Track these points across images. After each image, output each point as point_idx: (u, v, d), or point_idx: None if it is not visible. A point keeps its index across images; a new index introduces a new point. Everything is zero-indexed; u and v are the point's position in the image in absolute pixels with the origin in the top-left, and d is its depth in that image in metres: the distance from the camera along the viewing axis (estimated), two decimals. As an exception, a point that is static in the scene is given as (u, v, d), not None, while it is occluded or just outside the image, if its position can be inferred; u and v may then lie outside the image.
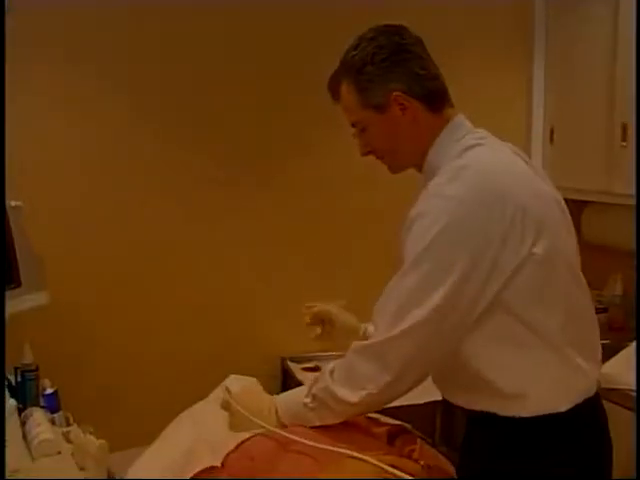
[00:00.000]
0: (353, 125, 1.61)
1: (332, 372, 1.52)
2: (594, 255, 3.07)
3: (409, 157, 1.61)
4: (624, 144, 2.74)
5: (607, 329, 3.00)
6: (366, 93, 1.54)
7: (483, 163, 1.48)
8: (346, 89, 1.57)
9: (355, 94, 1.55)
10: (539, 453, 1.46)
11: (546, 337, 1.44)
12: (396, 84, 1.52)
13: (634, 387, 2.15)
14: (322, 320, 1.86)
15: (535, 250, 1.41)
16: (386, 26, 1.57)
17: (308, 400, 1.55)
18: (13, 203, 2.02)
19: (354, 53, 1.55)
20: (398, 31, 1.56)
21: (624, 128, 2.74)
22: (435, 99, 1.55)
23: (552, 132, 3.26)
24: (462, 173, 1.44)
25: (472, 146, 1.51)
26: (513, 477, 1.47)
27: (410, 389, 1.53)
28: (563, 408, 1.45)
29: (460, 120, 1.58)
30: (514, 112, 3.34)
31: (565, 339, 1.46)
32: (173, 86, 2.88)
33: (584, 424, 1.51)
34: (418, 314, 1.40)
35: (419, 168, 1.61)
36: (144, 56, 2.82)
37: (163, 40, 2.84)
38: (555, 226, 1.49)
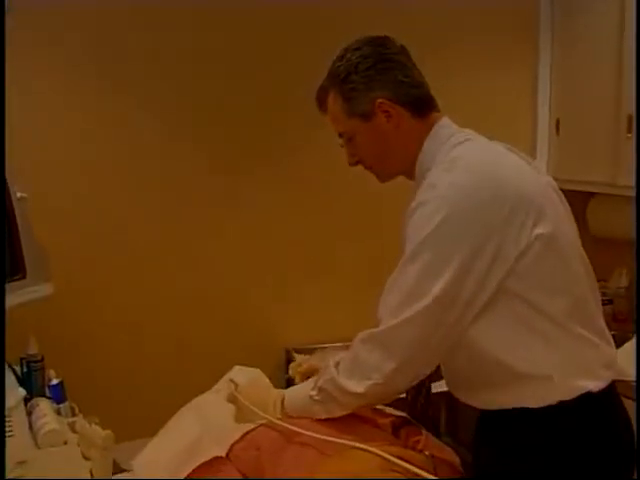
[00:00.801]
0: (340, 135, 1.63)
1: (337, 364, 1.53)
2: (599, 247, 3.06)
3: (397, 164, 1.62)
4: (630, 136, 2.73)
5: (612, 320, 3.00)
6: (351, 102, 1.57)
7: (476, 154, 1.51)
8: (332, 99, 1.60)
9: (341, 104, 1.58)
10: (571, 443, 1.46)
11: (555, 319, 1.44)
12: (380, 92, 1.54)
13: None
14: (312, 374, 1.86)
15: (537, 232, 1.42)
16: (371, 37, 1.59)
17: (314, 393, 1.56)
18: (18, 194, 2.01)
19: (339, 64, 1.58)
20: (382, 41, 1.58)
21: (630, 120, 2.73)
22: (420, 105, 1.57)
23: (558, 124, 3.25)
24: (457, 163, 1.46)
25: (461, 142, 1.53)
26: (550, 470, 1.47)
27: (415, 379, 1.54)
28: (591, 386, 1.45)
29: (446, 122, 1.60)
30: (520, 104, 3.33)
31: (574, 320, 1.46)
32: (173, 81, 2.88)
33: (613, 407, 1.53)
34: (419, 305, 1.41)
35: (409, 175, 1.63)
36: (144, 53, 2.82)
37: (163, 37, 2.84)
38: (555, 211, 1.50)
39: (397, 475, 1.37)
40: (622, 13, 2.77)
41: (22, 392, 1.76)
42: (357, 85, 1.55)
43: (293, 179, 3.09)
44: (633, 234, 2.48)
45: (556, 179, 1.61)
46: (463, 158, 1.48)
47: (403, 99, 1.55)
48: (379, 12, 2.94)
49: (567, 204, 1.59)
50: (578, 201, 3.15)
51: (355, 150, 1.62)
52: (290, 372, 1.89)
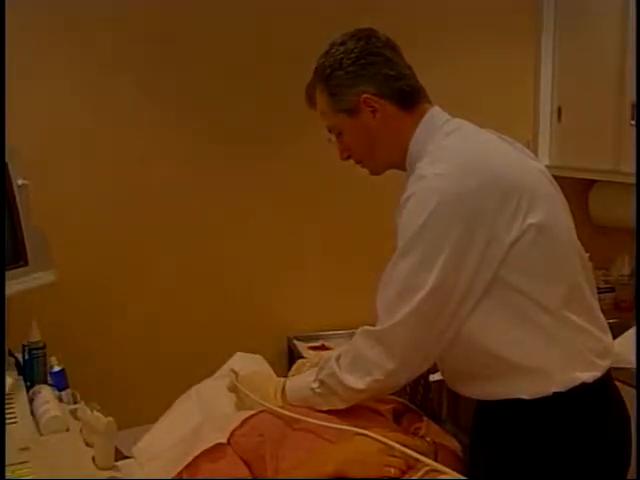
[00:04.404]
0: (330, 130, 1.63)
1: (338, 358, 1.53)
2: (602, 234, 3.06)
3: (386, 158, 1.62)
4: (633, 123, 2.72)
5: (614, 309, 2.99)
6: (337, 97, 1.56)
7: (464, 142, 1.51)
8: (319, 95, 1.60)
9: (327, 99, 1.58)
10: (565, 435, 1.46)
11: (550, 309, 1.44)
12: (365, 87, 1.54)
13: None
14: None
15: (531, 221, 1.41)
16: (356, 30, 1.58)
17: (315, 386, 1.55)
18: (20, 182, 2.00)
19: (324, 59, 1.58)
20: (366, 35, 1.57)
21: (633, 107, 2.72)
22: (406, 98, 1.56)
23: (560, 111, 3.24)
24: (444, 153, 1.47)
25: (451, 131, 1.53)
26: (543, 461, 1.47)
27: (415, 374, 1.55)
28: (586, 377, 1.45)
29: (436, 112, 1.59)
30: (521, 90, 3.30)
31: (569, 308, 1.46)
32: (173, 68, 2.87)
33: (608, 397, 1.53)
34: (416, 299, 1.41)
35: (400, 168, 1.62)
36: (147, 39, 2.81)
37: (164, 27, 2.82)
38: (548, 198, 1.50)
39: (399, 461, 1.38)
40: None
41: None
42: (342, 81, 1.54)
43: (298, 169, 3.06)
44: (634, 222, 2.47)
45: (558, 167, 1.61)
46: (451, 148, 1.48)
47: (388, 93, 1.54)
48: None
49: (561, 192, 1.58)
50: (580, 189, 3.15)
51: (345, 145, 1.62)
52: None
